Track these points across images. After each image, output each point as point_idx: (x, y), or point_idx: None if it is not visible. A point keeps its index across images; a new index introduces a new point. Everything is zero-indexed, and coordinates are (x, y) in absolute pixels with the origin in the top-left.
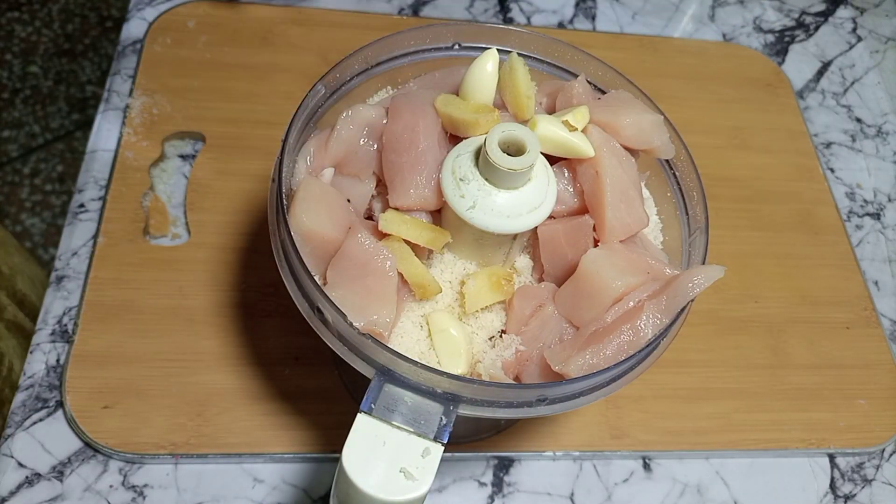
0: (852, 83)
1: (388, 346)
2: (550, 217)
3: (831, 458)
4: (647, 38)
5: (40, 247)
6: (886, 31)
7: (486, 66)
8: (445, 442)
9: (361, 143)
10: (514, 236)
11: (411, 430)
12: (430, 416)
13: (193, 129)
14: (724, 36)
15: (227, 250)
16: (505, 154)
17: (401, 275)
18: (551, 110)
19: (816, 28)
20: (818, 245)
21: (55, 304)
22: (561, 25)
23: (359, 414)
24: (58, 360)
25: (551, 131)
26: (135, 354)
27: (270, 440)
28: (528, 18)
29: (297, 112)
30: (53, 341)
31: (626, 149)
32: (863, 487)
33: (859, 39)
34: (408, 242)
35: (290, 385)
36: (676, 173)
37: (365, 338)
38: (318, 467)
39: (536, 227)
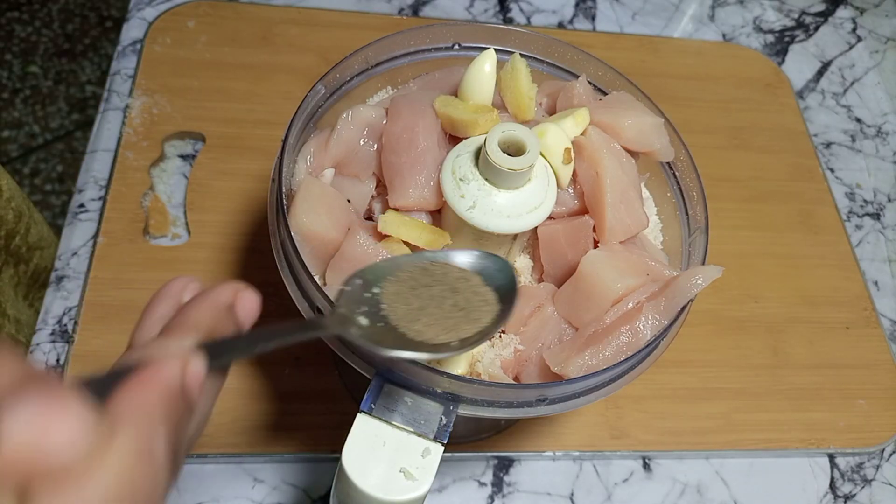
0: (852, 83)
1: None
2: (550, 218)
3: (831, 458)
4: (647, 39)
5: None
6: (886, 32)
7: (484, 67)
8: (445, 442)
9: (361, 143)
10: (514, 236)
11: (411, 430)
12: (430, 416)
13: (193, 129)
14: (723, 36)
15: (226, 250)
16: (505, 154)
17: None
18: (552, 111)
19: (816, 28)
20: (818, 245)
21: (55, 304)
22: (561, 25)
23: (359, 414)
24: (58, 360)
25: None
26: None
27: (270, 440)
28: (528, 18)
29: (297, 112)
30: (53, 341)
31: (627, 150)
32: (862, 487)
33: (859, 39)
34: (407, 243)
35: (290, 385)
36: (676, 174)
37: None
38: (318, 467)
39: (536, 228)
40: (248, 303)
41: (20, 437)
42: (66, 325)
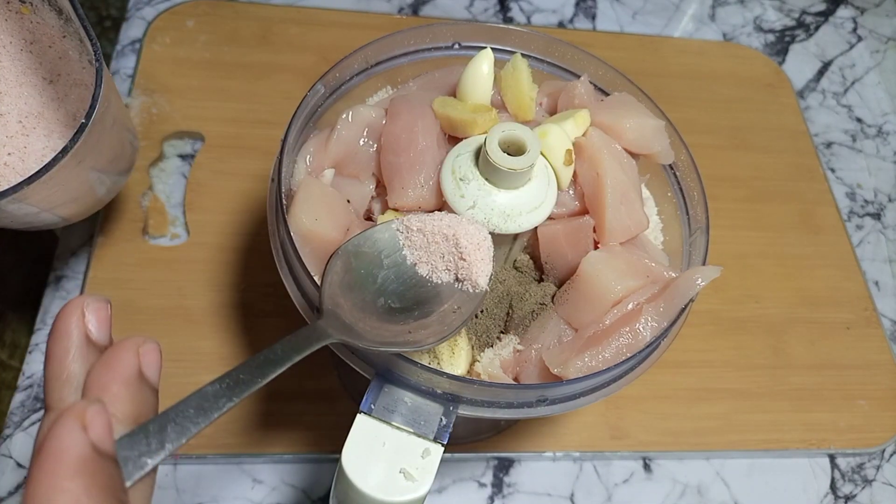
0: (853, 83)
1: None
2: (550, 219)
3: (832, 458)
4: (648, 38)
5: None
6: (887, 31)
7: (482, 67)
8: (445, 442)
9: (361, 143)
10: (515, 236)
11: (411, 430)
12: (430, 416)
13: (193, 129)
14: (724, 36)
15: (226, 250)
16: (505, 154)
17: None
18: (552, 110)
19: (817, 28)
20: (818, 245)
21: (54, 304)
22: (561, 25)
23: (358, 414)
24: None
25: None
26: None
27: (270, 440)
28: (528, 18)
29: (296, 112)
30: None
31: (627, 152)
32: (863, 488)
33: (860, 39)
34: None
35: (290, 385)
36: (677, 174)
37: None
38: (318, 467)
39: (537, 228)
40: (150, 357)
41: None
42: None
